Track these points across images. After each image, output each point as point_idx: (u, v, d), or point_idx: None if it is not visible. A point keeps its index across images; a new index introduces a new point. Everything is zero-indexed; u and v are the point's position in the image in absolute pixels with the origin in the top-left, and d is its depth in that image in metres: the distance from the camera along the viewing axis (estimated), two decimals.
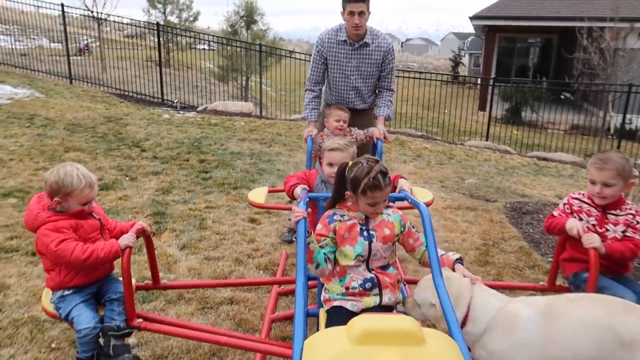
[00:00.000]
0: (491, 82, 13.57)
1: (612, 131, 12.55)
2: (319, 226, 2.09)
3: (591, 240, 2.27)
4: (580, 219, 2.47)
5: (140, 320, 2.24)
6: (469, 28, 23.69)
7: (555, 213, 2.58)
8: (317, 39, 3.61)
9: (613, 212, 2.44)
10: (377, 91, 3.70)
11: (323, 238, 2.05)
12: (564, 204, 2.57)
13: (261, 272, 3.44)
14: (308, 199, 2.33)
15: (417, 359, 1.29)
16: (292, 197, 2.65)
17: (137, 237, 2.29)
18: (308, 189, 2.60)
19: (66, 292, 2.21)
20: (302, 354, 1.42)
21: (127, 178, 5.31)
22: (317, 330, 2.17)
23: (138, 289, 2.66)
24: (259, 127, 8.78)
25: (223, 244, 3.82)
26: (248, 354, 2.52)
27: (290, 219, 3.08)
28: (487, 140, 10.97)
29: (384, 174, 1.97)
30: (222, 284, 3.11)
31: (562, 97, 17.36)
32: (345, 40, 3.45)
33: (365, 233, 2.04)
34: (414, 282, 2.91)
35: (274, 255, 3.71)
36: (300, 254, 1.84)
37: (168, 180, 5.33)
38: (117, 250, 2.17)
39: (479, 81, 19.72)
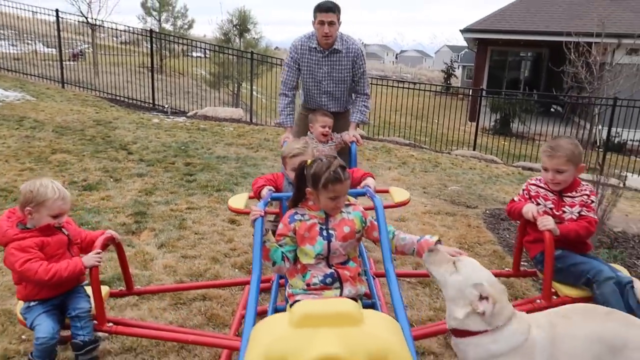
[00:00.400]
0: (480, 93, 13.74)
1: (598, 144, 12.72)
2: (280, 226, 2.15)
3: (545, 223, 2.35)
4: (538, 204, 2.55)
5: (110, 324, 2.31)
6: (463, 41, 23.99)
7: (515, 199, 2.68)
8: (290, 45, 3.72)
9: (569, 194, 2.52)
10: (353, 96, 3.80)
11: (282, 237, 2.11)
12: (523, 190, 2.66)
13: (237, 270, 3.49)
14: (269, 199, 2.44)
15: (353, 338, 1.35)
16: (259, 198, 2.73)
17: (107, 246, 2.39)
18: (274, 190, 2.68)
19: (32, 304, 2.29)
20: (249, 340, 1.49)
21: (112, 179, 5.36)
22: None
23: (112, 296, 2.72)
24: (247, 132, 8.86)
25: (201, 243, 3.87)
26: (216, 348, 2.56)
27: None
28: (474, 149, 11.09)
29: (343, 167, 2.04)
30: (193, 286, 3.13)
31: (552, 109, 17.60)
32: (315, 48, 3.56)
33: (324, 232, 2.09)
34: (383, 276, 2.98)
35: (251, 254, 3.75)
36: (257, 251, 1.93)
37: (152, 182, 5.38)
38: (81, 269, 2.25)
39: (468, 92, 19.92)
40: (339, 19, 3.47)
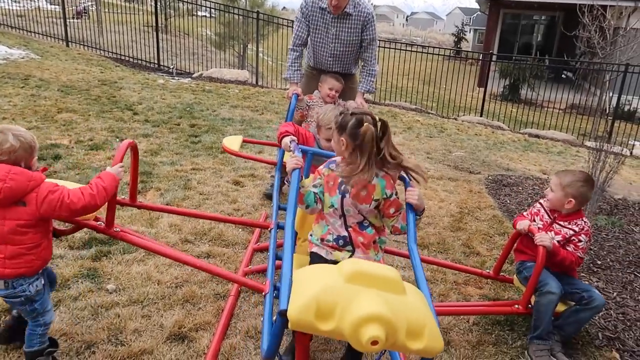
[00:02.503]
0: (490, 58, 13.47)
1: (608, 111, 12.56)
2: (321, 167, 2.21)
3: (542, 239, 2.44)
4: (534, 220, 2.69)
5: (117, 229, 2.27)
6: (475, 4, 23.32)
7: (525, 213, 2.81)
8: (302, 1, 3.66)
9: (561, 222, 2.61)
10: (360, 62, 3.77)
11: (318, 177, 2.18)
12: (532, 207, 2.80)
13: (240, 230, 3.57)
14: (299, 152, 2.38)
15: (397, 305, 1.39)
16: (280, 141, 2.78)
17: (125, 152, 2.22)
18: (296, 141, 2.71)
19: (42, 282, 1.98)
20: (292, 283, 1.51)
21: (118, 139, 5.40)
22: None
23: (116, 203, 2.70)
24: (252, 94, 8.81)
25: (205, 204, 3.94)
26: (220, 301, 2.67)
27: (272, 176, 3.26)
28: (481, 116, 11.00)
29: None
30: (200, 215, 3.28)
31: (563, 76, 17.27)
32: (325, 8, 3.50)
33: (342, 187, 2.11)
34: (392, 253, 3.06)
35: (254, 215, 3.84)
36: (292, 199, 1.94)
37: (157, 142, 5.42)
38: (118, 180, 2.09)
39: (478, 56, 19.53)
40: None
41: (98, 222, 2.31)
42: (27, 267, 1.90)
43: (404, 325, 1.37)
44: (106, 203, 2.14)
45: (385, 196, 2.09)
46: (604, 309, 2.85)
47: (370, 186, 2.08)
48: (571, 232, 2.57)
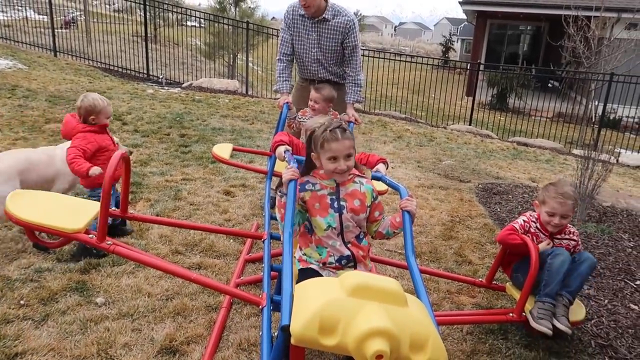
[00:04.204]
0: (478, 67, 13.63)
1: (594, 120, 12.75)
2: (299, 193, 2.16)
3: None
4: (526, 233, 2.69)
5: (110, 242, 2.22)
6: (462, 14, 23.64)
7: (516, 226, 2.70)
8: (285, 11, 3.70)
9: (558, 236, 2.68)
10: (345, 72, 3.79)
11: (300, 202, 2.12)
12: (524, 221, 2.72)
13: (231, 240, 3.54)
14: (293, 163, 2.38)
15: (400, 318, 1.38)
16: (273, 151, 2.77)
17: (117, 164, 2.30)
18: (291, 151, 2.70)
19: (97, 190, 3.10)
20: (293, 297, 1.50)
21: None
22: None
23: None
24: (242, 104, 8.81)
25: (196, 214, 3.91)
26: (211, 313, 2.64)
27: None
28: (470, 124, 11.10)
29: (343, 129, 2.03)
30: (191, 225, 3.27)
31: (549, 85, 17.52)
32: (303, 15, 3.55)
33: (335, 204, 2.07)
34: (385, 263, 3.07)
35: (246, 225, 3.81)
36: (289, 211, 1.91)
37: (147, 152, 5.38)
38: (84, 172, 2.95)
39: (466, 66, 19.77)
40: None
41: (90, 236, 2.26)
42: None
43: (407, 338, 1.37)
44: (97, 216, 2.17)
45: (373, 199, 2.14)
46: (596, 317, 2.88)
47: (361, 194, 2.10)
48: (573, 242, 2.67)
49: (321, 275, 2.07)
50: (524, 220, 2.72)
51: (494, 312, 2.74)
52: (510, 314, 2.54)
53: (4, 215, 2.25)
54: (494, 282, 2.92)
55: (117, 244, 2.21)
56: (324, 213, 2.07)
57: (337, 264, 2.09)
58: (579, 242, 2.72)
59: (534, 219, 2.71)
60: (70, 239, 2.30)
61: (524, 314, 2.53)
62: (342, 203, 2.07)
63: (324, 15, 3.53)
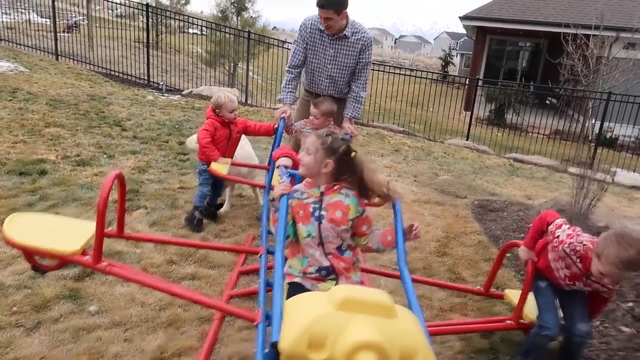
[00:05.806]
0: (476, 82, 13.74)
1: (590, 138, 12.84)
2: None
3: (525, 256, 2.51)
4: (556, 266, 2.44)
5: (105, 263, 2.19)
6: (462, 29, 23.86)
7: (552, 227, 2.41)
8: (301, 23, 3.71)
9: (592, 278, 2.37)
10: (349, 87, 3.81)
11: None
12: (569, 242, 2.33)
13: (225, 252, 3.55)
14: (287, 177, 2.41)
15: (389, 330, 1.38)
16: (274, 160, 2.82)
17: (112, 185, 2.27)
18: (290, 165, 2.71)
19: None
20: (283, 313, 1.51)
21: (105, 155, 5.36)
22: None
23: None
24: (242, 113, 8.84)
25: None
26: (204, 324, 2.64)
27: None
28: (467, 139, 11.16)
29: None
30: (187, 243, 3.28)
31: (547, 102, 17.65)
32: (323, 30, 3.56)
33: (316, 213, 2.08)
34: (371, 272, 3.07)
35: (241, 236, 3.82)
36: (281, 226, 1.94)
37: (145, 159, 5.39)
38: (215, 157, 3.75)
39: (465, 81, 19.93)
40: (338, 13, 3.42)
41: (86, 257, 2.25)
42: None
43: (397, 350, 1.37)
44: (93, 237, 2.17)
45: (358, 214, 2.12)
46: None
47: (344, 206, 2.09)
48: (605, 292, 2.46)
49: (305, 289, 2.08)
50: (568, 236, 2.32)
51: (492, 320, 2.70)
52: (508, 322, 2.53)
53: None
54: (492, 289, 2.91)
55: (113, 265, 2.20)
56: (306, 221, 2.08)
57: (317, 274, 2.08)
58: (613, 297, 2.48)
59: (575, 253, 2.33)
60: (67, 262, 2.31)
61: (521, 320, 2.51)
62: (322, 212, 2.07)
63: (344, 32, 3.55)
